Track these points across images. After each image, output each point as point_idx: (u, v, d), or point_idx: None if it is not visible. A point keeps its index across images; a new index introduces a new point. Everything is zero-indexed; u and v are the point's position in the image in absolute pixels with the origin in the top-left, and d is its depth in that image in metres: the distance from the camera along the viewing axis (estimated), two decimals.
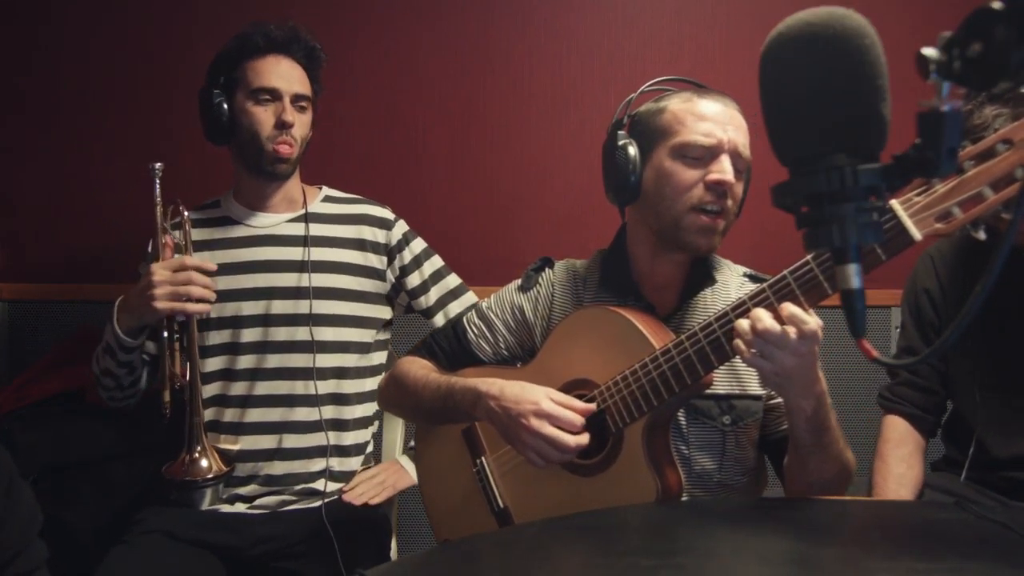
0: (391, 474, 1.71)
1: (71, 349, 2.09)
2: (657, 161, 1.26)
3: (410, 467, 1.71)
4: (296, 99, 1.64)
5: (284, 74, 1.63)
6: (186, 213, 1.61)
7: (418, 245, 1.77)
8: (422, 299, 1.73)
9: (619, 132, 1.30)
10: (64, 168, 2.27)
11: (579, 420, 1.17)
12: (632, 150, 1.27)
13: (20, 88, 2.26)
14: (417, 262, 1.75)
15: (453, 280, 1.78)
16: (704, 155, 1.23)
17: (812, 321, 1.03)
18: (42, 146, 2.27)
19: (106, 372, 1.62)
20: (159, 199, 1.58)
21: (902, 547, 0.96)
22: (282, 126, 1.61)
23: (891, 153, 0.62)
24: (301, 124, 1.65)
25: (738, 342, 1.07)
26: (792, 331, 1.02)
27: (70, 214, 2.26)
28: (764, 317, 1.03)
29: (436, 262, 1.78)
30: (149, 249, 1.69)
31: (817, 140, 0.64)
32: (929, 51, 0.57)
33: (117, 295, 2.21)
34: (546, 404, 1.17)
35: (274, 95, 1.62)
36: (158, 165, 1.59)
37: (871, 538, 1.03)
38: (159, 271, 1.52)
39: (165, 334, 1.56)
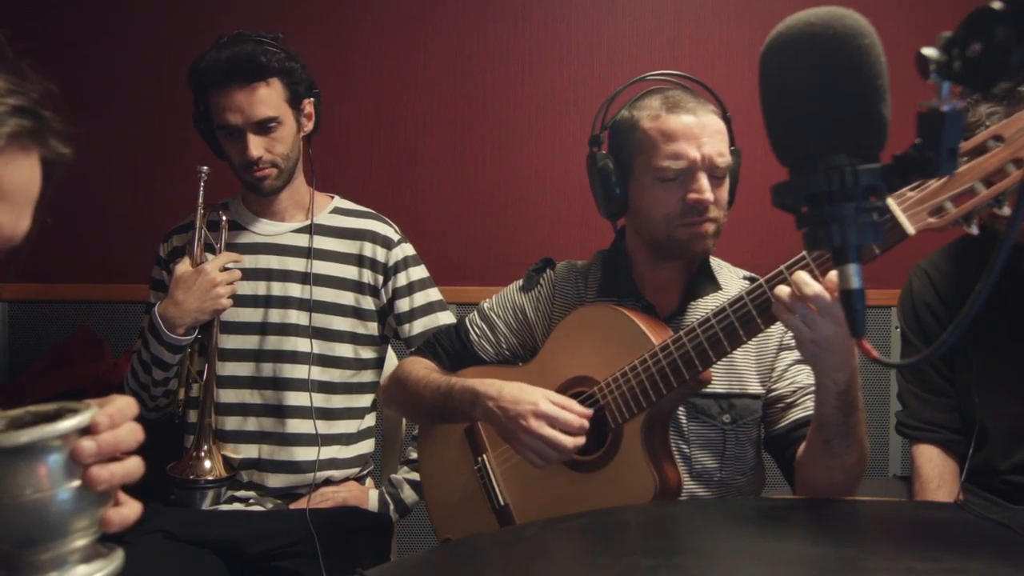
0: (350, 492, 1.68)
1: (71, 349, 2.09)
2: (639, 181, 1.28)
3: (373, 497, 1.70)
4: (260, 125, 1.56)
5: (236, 107, 1.54)
6: (224, 217, 1.65)
7: (417, 272, 1.73)
8: (406, 327, 1.70)
9: (596, 151, 1.32)
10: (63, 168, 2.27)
11: (576, 421, 1.17)
12: (612, 166, 1.29)
13: None
14: (410, 289, 1.70)
15: (445, 317, 1.72)
16: (679, 176, 1.23)
17: None
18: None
19: (145, 387, 1.64)
20: (202, 200, 1.63)
21: (902, 547, 0.96)
22: (248, 163, 1.57)
23: (891, 153, 0.62)
24: (275, 143, 1.58)
25: (778, 307, 1.06)
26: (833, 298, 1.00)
27: (70, 214, 2.26)
28: (811, 281, 1.02)
29: (431, 295, 1.73)
30: (170, 245, 1.72)
31: (817, 140, 0.64)
32: (929, 51, 0.57)
33: (117, 295, 2.23)
34: (544, 405, 1.18)
35: (235, 132, 1.56)
36: (204, 168, 1.62)
37: (871, 538, 1.03)
38: (214, 270, 1.58)
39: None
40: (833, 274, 1.02)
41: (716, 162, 1.23)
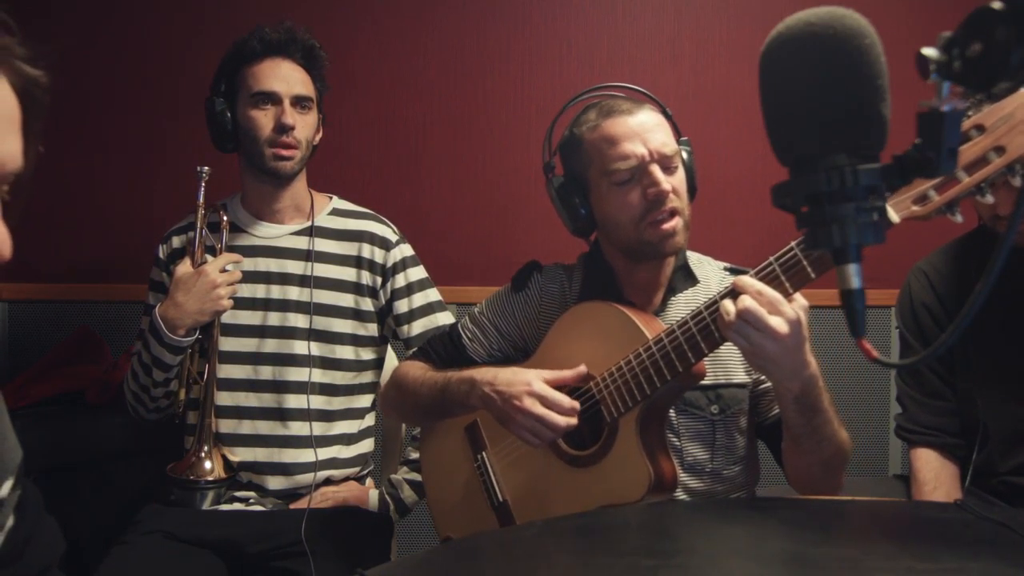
0: (351, 492, 1.69)
1: (71, 349, 2.09)
2: (595, 189, 1.30)
3: (373, 496, 1.71)
4: (297, 101, 1.62)
5: (283, 76, 1.61)
6: (225, 218, 1.65)
7: (416, 273, 1.73)
8: (405, 327, 1.70)
9: (552, 176, 1.36)
10: (64, 168, 2.27)
11: (568, 401, 1.20)
12: (570, 189, 1.33)
13: None
14: (409, 290, 1.70)
15: (444, 317, 1.72)
16: (633, 175, 1.25)
17: (790, 309, 1.04)
18: (42, 146, 2.27)
19: (146, 388, 1.64)
20: (202, 201, 1.63)
21: (902, 547, 0.96)
22: (282, 129, 1.59)
23: (891, 153, 0.62)
24: (304, 125, 1.63)
25: (721, 321, 1.09)
26: (768, 314, 1.03)
27: (70, 214, 2.26)
28: (745, 297, 1.05)
29: (430, 295, 1.73)
30: (170, 246, 1.71)
31: (817, 140, 0.64)
32: (929, 51, 0.57)
33: (117, 295, 2.23)
34: (537, 385, 1.21)
35: (273, 98, 1.60)
36: (205, 168, 1.63)
37: (871, 538, 1.03)
38: (214, 271, 1.58)
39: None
40: (768, 291, 1.05)
41: (664, 152, 1.25)
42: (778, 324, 1.03)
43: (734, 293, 1.09)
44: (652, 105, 1.32)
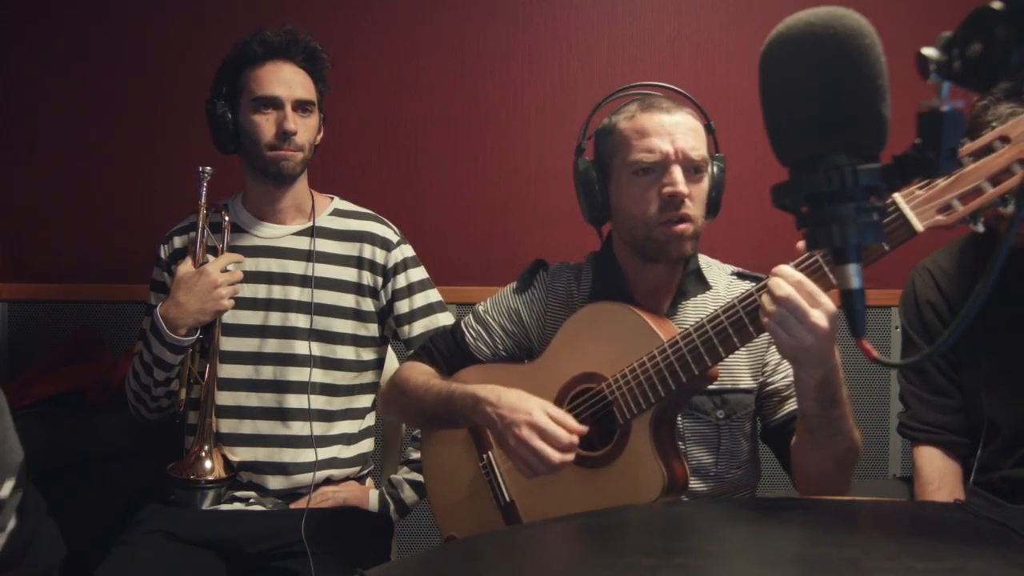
0: (351, 492, 1.69)
1: (71, 349, 2.09)
2: (617, 180, 1.30)
3: (374, 496, 1.71)
4: (299, 104, 1.62)
5: (285, 80, 1.61)
6: (227, 218, 1.65)
7: (416, 274, 1.73)
8: (406, 328, 1.70)
9: (580, 158, 1.36)
10: (64, 168, 2.27)
11: (566, 437, 1.17)
12: (593, 174, 1.33)
13: (20, 88, 2.26)
14: (410, 290, 1.71)
15: (444, 318, 1.73)
16: (655, 169, 1.25)
17: (829, 301, 1.03)
18: (42, 146, 2.27)
19: (147, 388, 1.64)
20: (204, 200, 1.63)
21: (902, 547, 0.96)
22: (284, 135, 1.59)
23: (891, 153, 0.62)
24: (306, 128, 1.63)
25: (760, 311, 1.07)
26: (810, 307, 1.02)
27: (70, 214, 2.26)
28: (783, 284, 1.04)
29: (431, 296, 1.73)
30: (171, 246, 1.71)
31: (817, 140, 0.64)
32: (929, 51, 0.57)
33: (117, 295, 2.23)
34: (538, 416, 1.18)
35: (275, 103, 1.60)
36: (208, 168, 1.63)
37: (871, 538, 1.03)
38: (216, 271, 1.58)
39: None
40: (808, 282, 1.04)
41: (690, 155, 1.25)
42: (818, 318, 1.02)
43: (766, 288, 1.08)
44: (697, 114, 1.31)
